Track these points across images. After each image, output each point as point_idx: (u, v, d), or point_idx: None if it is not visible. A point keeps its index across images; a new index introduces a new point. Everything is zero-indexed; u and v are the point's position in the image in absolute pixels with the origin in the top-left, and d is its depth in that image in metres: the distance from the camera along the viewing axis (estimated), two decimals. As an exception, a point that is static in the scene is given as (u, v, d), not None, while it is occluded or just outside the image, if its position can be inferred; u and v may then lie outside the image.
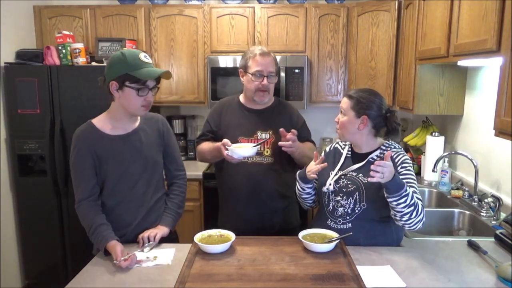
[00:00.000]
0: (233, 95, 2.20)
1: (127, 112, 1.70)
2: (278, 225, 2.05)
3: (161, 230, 1.75)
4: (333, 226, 1.70)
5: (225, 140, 1.88)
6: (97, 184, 1.71)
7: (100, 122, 1.73)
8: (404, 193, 1.51)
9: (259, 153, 2.00)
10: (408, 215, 1.54)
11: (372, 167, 1.47)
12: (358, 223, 1.66)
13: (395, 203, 1.52)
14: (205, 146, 2.09)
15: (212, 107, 2.20)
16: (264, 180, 2.00)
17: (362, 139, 1.71)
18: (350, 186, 1.67)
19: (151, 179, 1.79)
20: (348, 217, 1.67)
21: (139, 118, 1.79)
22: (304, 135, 2.11)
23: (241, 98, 2.12)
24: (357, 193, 1.65)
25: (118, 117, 1.72)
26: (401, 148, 1.74)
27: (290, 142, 1.88)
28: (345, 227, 1.67)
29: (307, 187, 1.82)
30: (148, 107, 1.69)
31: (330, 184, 1.71)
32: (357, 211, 1.65)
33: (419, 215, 1.56)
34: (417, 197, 1.59)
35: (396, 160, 1.66)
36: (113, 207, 1.72)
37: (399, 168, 1.64)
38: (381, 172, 1.46)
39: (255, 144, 1.91)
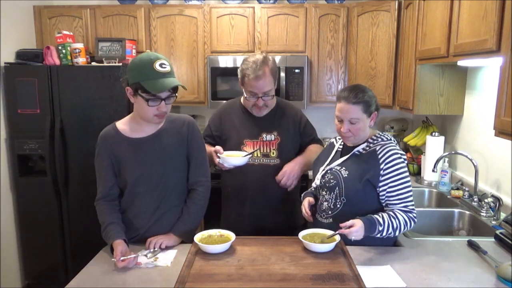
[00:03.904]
0: (235, 98, 2.18)
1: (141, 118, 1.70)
2: (285, 225, 2.04)
3: (170, 239, 1.71)
4: (320, 220, 1.73)
5: (217, 148, 1.89)
6: (117, 185, 1.73)
7: (123, 124, 1.74)
8: (377, 233, 1.57)
9: (265, 155, 2.01)
10: (392, 235, 1.60)
11: (346, 235, 1.53)
12: (339, 220, 1.60)
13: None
14: None
15: (214, 110, 2.20)
16: (270, 181, 1.99)
17: (366, 131, 1.70)
18: (332, 181, 1.68)
19: (169, 184, 1.75)
20: (330, 212, 1.69)
21: (164, 119, 1.74)
22: (309, 134, 2.11)
23: (243, 100, 2.11)
24: (337, 187, 1.65)
25: (138, 120, 1.71)
26: (390, 139, 1.69)
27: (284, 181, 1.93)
28: (327, 222, 1.70)
29: None
30: (162, 116, 1.65)
31: (317, 179, 1.74)
32: (338, 205, 1.66)
33: (403, 230, 1.61)
34: (403, 211, 1.60)
35: (380, 157, 1.61)
36: (128, 210, 1.74)
37: (384, 170, 1.59)
38: (356, 235, 1.52)
39: (246, 153, 1.91)
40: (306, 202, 1.76)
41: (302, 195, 1.88)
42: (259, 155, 2.01)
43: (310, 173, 1.98)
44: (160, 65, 1.56)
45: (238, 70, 1.97)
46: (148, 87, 1.55)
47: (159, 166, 1.72)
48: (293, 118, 2.08)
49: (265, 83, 1.89)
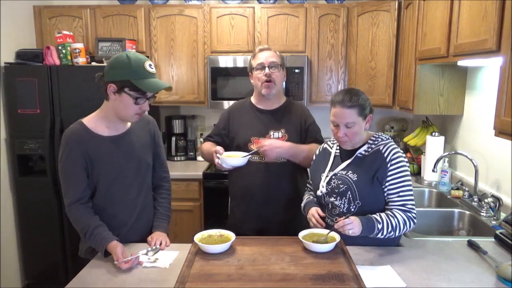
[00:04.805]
0: (235, 97, 2.22)
1: (118, 115, 1.67)
2: (292, 225, 2.03)
3: (166, 237, 1.75)
4: (332, 224, 1.70)
5: (217, 148, 1.90)
6: (88, 186, 1.66)
7: (92, 122, 1.68)
8: (377, 232, 1.56)
9: None
10: (393, 235, 1.59)
11: (340, 229, 1.53)
12: None
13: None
14: (206, 147, 2.12)
15: (223, 110, 2.24)
16: (278, 179, 2.01)
17: (362, 134, 1.70)
18: (341, 186, 1.66)
19: (144, 181, 1.78)
20: (344, 217, 1.66)
21: None
22: (311, 135, 2.10)
23: (253, 99, 2.15)
24: (349, 192, 1.64)
25: (110, 117, 1.68)
26: (389, 139, 1.70)
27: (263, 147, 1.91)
28: None
29: None
30: (141, 115, 1.67)
31: (323, 187, 1.71)
32: (353, 209, 1.65)
33: (403, 230, 1.60)
34: (401, 210, 1.60)
35: (386, 155, 1.62)
36: (107, 210, 1.69)
37: (390, 166, 1.61)
38: (352, 229, 1.51)
39: (246, 154, 1.92)
40: (316, 213, 1.72)
41: (303, 205, 1.86)
42: None
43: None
44: (149, 65, 1.60)
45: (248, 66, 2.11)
46: (141, 86, 1.56)
47: (134, 163, 1.73)
48: (300, 116, 2.10)
49: (271, 53, 2.04)
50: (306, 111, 2.16)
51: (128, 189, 1.72)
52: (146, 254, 1.61)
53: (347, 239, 1.63)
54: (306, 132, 2.09)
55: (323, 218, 1.72)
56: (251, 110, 2.11)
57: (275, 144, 1.95)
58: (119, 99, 1.60)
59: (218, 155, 1.88)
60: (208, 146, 2.10)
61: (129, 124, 1.75)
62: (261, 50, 2.05)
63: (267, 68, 1.99)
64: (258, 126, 2.05)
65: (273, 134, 2.03)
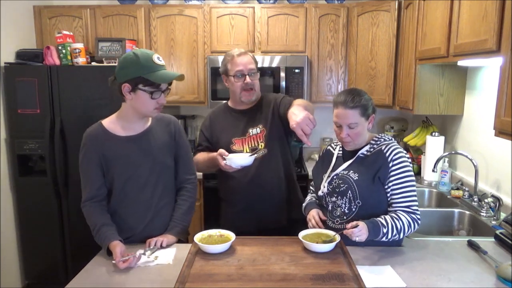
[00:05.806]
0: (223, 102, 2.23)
1: (138, 114, 1.69)
2: (285, 216, 2.06)
3: (168, 239, 1.72)
4: (331, 225, 1.70)
5: (222, 150, 1.90)
6: (105, 185, 1.70)
7: (110, 122, 1.72)
8: (382, 236, 1.55)
9: (253, 149, 2.03)
10: (397, 237, 1.58)
11: (348, 236, 1.51)
12: None
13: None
14: (200, 157, 2.11)
15: (204, 118, 2.24)
16: (262, 172, 2.02)
17: (365, 135, 1.70)
18: (342, 185, 1.66)
19: (159, 182, 1.76)
20: (345, 217, 1.66)
21: (150, 118, 1.78)
22: (286, 102, 2.00)
23: (229, 103, 2.17)
24: (349, 191, 1.64)
25: (128, 118, 1.71)
26: (391, 139, 1.70)
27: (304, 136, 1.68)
28: (342, 227, 1.66)
29: None
30: (160, 109, 1.69)
31: (324, 187, 1.72)
32: (354, 209, 1.64)
33: (408, 232, 1.60)
34: (406, 212, 1.59)
35: (388, 155, 1.62)
36: (120, 209, 1.72)
37: (392, 166, 1.60)
38: (360, 236, 1.50)
39: (252, 153, 1.93)
40: (316, 215, 1.72)
41: (304, 205, 1.87)
42: (248, 150, 2.04)
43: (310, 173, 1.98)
44: (158, 58, 1.63)
45: (220, 67, 2.09)
46: (153, 78, 1.58)
47: (150, 164, 1.73)
48: (273, 103, 2.08)
49: (249, 60, 2.02)
50: (275, 96, 2.14)
51: (142, 189, 1.72)
52: (144, 254, 1.61)
53: (347, 239, 1.62)
54: (281, 105, 2.02)
55: (323, 221, 1.72)
56: (228, 113, 2.13)
57: (304, 118, 1.66)
58: (135, 97, 1.62)
59: (224, 156, 1.88)
60: (203, 155, 2.10)
61: (148, 124, 1.76)
62: (239, 55, 2.01)
63: (247, 77, 1.99)
64: (237, 127, 2.07)
65: (252, 131, 2.05)
